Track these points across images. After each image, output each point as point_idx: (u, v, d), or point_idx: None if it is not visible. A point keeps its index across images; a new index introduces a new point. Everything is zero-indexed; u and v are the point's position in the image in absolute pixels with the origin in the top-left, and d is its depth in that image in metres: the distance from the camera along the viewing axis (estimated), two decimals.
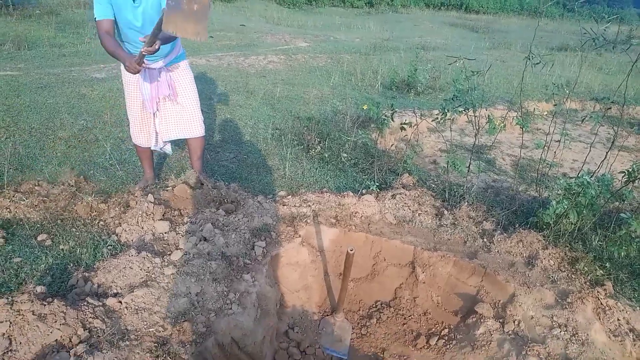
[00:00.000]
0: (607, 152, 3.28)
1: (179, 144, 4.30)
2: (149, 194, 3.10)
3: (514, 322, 2.56)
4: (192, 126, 3.33)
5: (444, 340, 2.85)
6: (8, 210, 2.92)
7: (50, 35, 8.51)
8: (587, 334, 2.40)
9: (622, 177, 2.99)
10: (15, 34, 8.01)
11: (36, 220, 2.88)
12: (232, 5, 17.27)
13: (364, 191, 3.66)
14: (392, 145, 5.02)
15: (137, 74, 2.83)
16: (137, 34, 2.87)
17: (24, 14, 10.14)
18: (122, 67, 2.93)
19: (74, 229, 2.83)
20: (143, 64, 2.79)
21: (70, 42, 8.29)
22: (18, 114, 4.48)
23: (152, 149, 3.39)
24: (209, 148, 4.34)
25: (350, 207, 3.37)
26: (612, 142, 3.31)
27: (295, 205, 3.35)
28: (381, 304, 3.26)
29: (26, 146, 3.90)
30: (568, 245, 3.02)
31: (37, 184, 3.27)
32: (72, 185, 3.28)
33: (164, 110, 3.24)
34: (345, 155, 4.26)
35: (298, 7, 19.32)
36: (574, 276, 2.80)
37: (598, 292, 2.62)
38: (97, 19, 2.80)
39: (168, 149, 3.47)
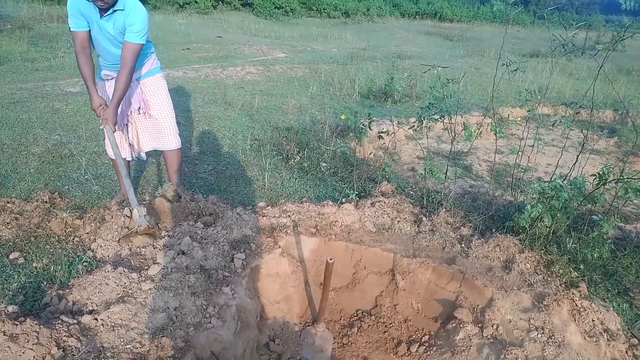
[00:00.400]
0: (577, 156, 3.37)
1: (156, 157, 4.25)
2: (125, 208, 3.05)
3: (492, 326, 2.59)
4: (167, 139, 3.31)
5: (424, 347, 2.86)
6: None
7: (22, 49, 8.36)
8: (564, 336, 2.44)
9: (594, 180, 3.07)
10: None
11: (8, 238, 2.81)
12: (208, 17, 17.26)
13: (343, 200, 3.68)
14: (370, 153, 5.06)
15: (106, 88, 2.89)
16: (100, 45, 2.91)
17: None
18: (97, 79, 3.01)
19: (47, 246, 2.77)
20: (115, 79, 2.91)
21: (43, 56, 8.17)
22: None
23: (128, 159, 3.33)
24: (186, 160, 4.31)
25: (330, 216, 3.38)
26: (582, 146, 3.41)
27: (274, 216, 3.35)
28: (362, 313, 3.26)
29: None
30: (543, 248, 3.08)
31: (9, 201, 3.18)
32: (46, 202, 3.21)
33: (138, 123, 3.22)
34: (324, 164, 4.28)
35: (275, 19, 19.42)
36: (549, 279, 2.85)
37: (573, 293, 2.68)
38: (71, 30, 2.82)
39: (143, 154, 3.42)
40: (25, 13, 12.38)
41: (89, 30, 2.86)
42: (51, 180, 3.64)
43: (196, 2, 18.06)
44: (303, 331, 3.10)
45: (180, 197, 3.25)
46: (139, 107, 3.14)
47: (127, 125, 3.21)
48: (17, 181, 3.55)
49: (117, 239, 2.82)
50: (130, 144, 3.29)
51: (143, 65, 3.12)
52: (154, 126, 3.25)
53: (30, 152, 4.08)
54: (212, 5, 18.68)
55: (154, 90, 3.18)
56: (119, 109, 3.07)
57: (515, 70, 3.39)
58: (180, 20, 15.57)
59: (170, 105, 3.28)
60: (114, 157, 3.31)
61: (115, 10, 2.78)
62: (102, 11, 2.76)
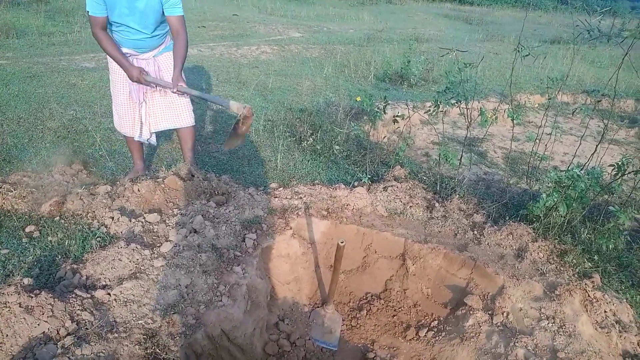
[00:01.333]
0: (596, 146, 3.30)
1: (169, 136, 4.26)
2: (136, 184, 3.07)
3: (502, 314, 2.58)
4: (182, 116, 3.31)
5: (433, 332, 2.87)
6: None
7: (39, 23, 8.38)
8: (575, 326, 2.42)
9: (612, 170, 3.01)
10: (4, 22, 7.87)
11: (24, 211, 2.85)
12: None
13: (355, 183, 3.66)
14: (384, 137, 5.02)
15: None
16: (126, 28, 2.92)
17: (12, 1, 9.97)
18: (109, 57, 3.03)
19: (62, 221, 2.80)
20: (135, 59, 3.02)
21: (59, 30, 8.18)
22: (6, 104, 4.41)
23: (135, 139, 3.36)
24: (200, 139, 4.31)
25: (341, 200, 3.37)
26: (602, 136, 3.33)
27: (286, 197, 3.35)
28: (371, 296, 3.27)
29: (14, 136, 3.85)
30: (557, 237, 3.04)
31: (25, 174, 3.23)
32: (74, 174, 3.30)
33: (151, 101, 3.22)
34: (337, 147, 4.25)
35: None
36: (562, 268, 2.82)
37: (586, 284, 2.65)
38: (90, 14, 2.80)
39: (153, 140, 3.44)
40: None
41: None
42: (66, 155, 3.67)
43: None
44: (312, 312, 3.12)
45: (193, 176, 3.26)
46: (156, 85, 3.14)
47: (142, 104, 3.21)
48: (34, 154, 3.59)
49: (225, 146, 3.10)
50: (142, 124, 3.29)
51: (160, 43, 3.13)
52: (169, 104, 3.25)
53: (46, 126, 4.11)
54: None
55: (169, 66, 3.18)
56: (136, 87, 3.09)
57: (527, 55, 3.30)
58: None
59: (185, 82, 3.27)
60: (122, 132, 3.33)
61: None
62: None
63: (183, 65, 3.06)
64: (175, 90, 3.02)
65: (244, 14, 13.56)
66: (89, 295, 2.14)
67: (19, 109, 4.36)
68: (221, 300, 2.35)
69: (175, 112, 3.29)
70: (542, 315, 2.52)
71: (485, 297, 2.78)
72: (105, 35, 2.91)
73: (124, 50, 3.05)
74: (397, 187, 3.54)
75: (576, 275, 2.78)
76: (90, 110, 4.59)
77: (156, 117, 3.28)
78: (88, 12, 2.81)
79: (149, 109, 3.25)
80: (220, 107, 3.02)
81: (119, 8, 2.81)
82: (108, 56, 3.06)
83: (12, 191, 2.97)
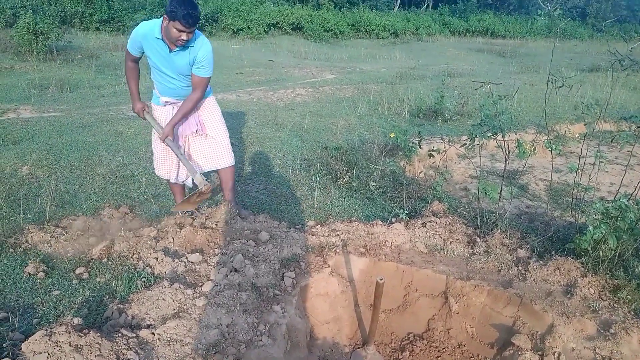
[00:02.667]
0: None
1: (210, 176, 4.41)
2: (181, 228, 3.18)
3: (553, 354, 2.45)
4: (222, 157, 3.45)
5: None
6: (49, 244, 3.04)
7: (90, 77, 9.00)
8: None
9: None
10: (59, 78, 8.51)
11: (75, 254, 2.99)
12: (260, 42, 17.86)
13: (393, 220, 3.64)
14: (420, 172, 4.99)
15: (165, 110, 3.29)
16: (164, 76, 3.15)
17: (66, 58, 10.79)
18: (152, 102, 3.33)
19: (110, 262, 2.92)
20: (174, 106, 3.29)
21: (108, 83, 8.74)
22: (60, 153, 4.71)
23: (171, 181, 3.52)
24: (239, 180, 4.43)
25: (379, 236, 3.35)
26: None
27: (324, 235, 3.36)
28: (413, 336, 3.18)
29: (67, 183, 4.09)
30: (609, 272, 2.89)
31: (75, 218, 3.40)
32: (120, 217, 3.47)
33: (193, 144, 3.40)
34: (373, 183, 4.26)
35: (324, 41, 19.78)
36: (616, 305, 2.67)
37: None
38: (127, 47, 3.13)
39: (189, 182, 3.57)
40: (93, 43, 13.34)
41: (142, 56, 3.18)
42: (114, 199, 3.86)
43: (249, 27, 18.75)
44: (353, 353, 3.06)
45: (239, 215, 3.38)
46: (196, 130, 3.32)
47: (180, 148, 3.37)
48: (84, 199, 3.79)
49: (174, 208, 3.25)
50: (179, 167, 3.45)
51: None
52: (209, 146, 3.40)
53: (96, 172, 4.35)
54: (264, 31, 19.30)
55: (209, 111, 3.37)
56: (177, 131, 3.27)
57: (561, 86, 3.26)
58: (234, 46, 16.21)
59: (224, 125, 3.46)
60: (160, 175, 3.51)
61: (187, 47, 3.00)
62: (174, 46, 2.97)
63: (180, 119, 3.21)
64: (161, 139, 3.19)
65: (279, 59, 14.09)
66: (134, 335, 2.19)
67: (71, 157, 4.64)
68: (261, 340, 2.36)
69: (215, 154, 3.42)
70: (597, 355, 2.38)
71: (534, 336, 2.65)
72: (131, 66, 3.23)
73: (164, 98, 3.27)
74: (436, 223, 3.50)
75: (632, 313, 2.61)
76: (136, 156, 4.83)
77: (198, 160, 3.43)
78: (126, 45, 3.12)
79: (192, 152, 3.41)
80: (189, 171, 3.28)
81: (155, 57, 3.06)
82: (152, 105, 3.33)
83: (64, 235, 3.14)
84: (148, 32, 2.99)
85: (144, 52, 3.10)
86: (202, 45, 3.05)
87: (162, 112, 3.31)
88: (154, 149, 3.45)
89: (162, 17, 2.94)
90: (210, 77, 3.18)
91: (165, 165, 3.44)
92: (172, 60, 3.06)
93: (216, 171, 3.58)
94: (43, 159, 4.49)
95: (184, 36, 2.87)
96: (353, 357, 3.03)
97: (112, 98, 7.60)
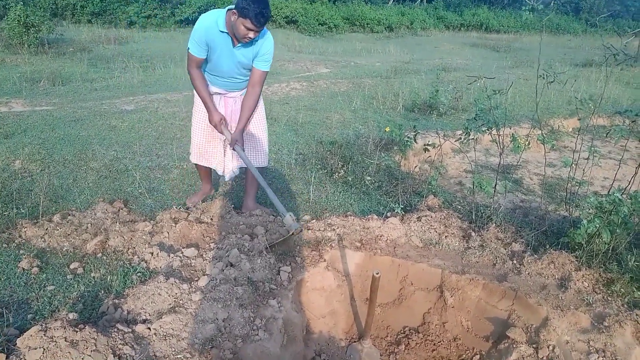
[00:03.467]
0: (637, 168, 3.19)
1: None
2: (177, 222, 3.16)
3: (548, 347, 2.47)
4: (258, 156, 3.46)
5: None
6: (43, 239, 3.02)
7: (82, 70, 8.91)
8: None
9: None
10: (50, 71, 8.42)
11: (69, 249, 2.97)
12: None
13: (388, 214, 3.64)
14: (415, 167, 5.00)
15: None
16: (221, 70, 3.10)
17: (58, 51, 10.68)
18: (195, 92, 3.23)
19: (104, 257, 2.90)
20: (222, 97, 3.26)
21: (101, 76, 8.66)
22: (53, 147, 4.67)
23: (219, 174, 3.51)
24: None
25: (375, 231, 3.35)
26: None
27: (319, 230, 3.36)
28: (409, 330, 3.19)
29: (60, 177, 4.05)
30: (602, 266, 2.92)
31: (69, 212, 3.38)
32: (115, 212, 3.43)
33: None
34: (368, 178, 4.26)
35: (319, 35, 19.70)
36: (610, 298, 2.70)
37: (637, 315, 2.52)
38: (190, 51, 3.01)
39: (227, 175, 3.54)
40: (85, 36, 13.21)
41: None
42: (108, 193, 3.83)
43: None
44: (349, 347, 3.07)
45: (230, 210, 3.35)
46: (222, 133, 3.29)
47: (224, 141, 3.37)
48: (77, 194, 3.76)
49: (269, 246, 2.99)
50: (223, 160, 3.44)
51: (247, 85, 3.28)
52: (248, 141, 3.39)
53: (89, 167, 4.31)
54: None
55: (256, 108, 3.33)
56: (226, 135, 3.25)
57: (552, 82, 3.27)
58: None
59: (265, 124, 3.45)
60: (198, 163, 3.48)
61: (252, 42, 2.95)
62: (238, 41, 2.92)
63: (246, 123, 3.21)
64: (229, 147, 3.15)
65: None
66: (130, 330, 2.19)
67: (64, 151, 4.60)
68: (258, 334, 2.36)
69: (253, 151, 3.43)
70: (591, 348, 2.40)
71: (529, 329, 2.67)
72: (198, 73, 3.10)
73: (214, 89, 3.23)
74: (432, 217, 3.51)
75: (625, 306, 2.64)
76: (130, 150, 4.79)
77: (233, 156, 3.41)
78: (189, 49, 3.00)
79: (227, 147, 3.39)
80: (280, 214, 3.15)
81: (217, 51, 2.98)
82: (195, 99, 3.29)
83: (57, 230, 3.11)
84: (211, 25, 2.90)
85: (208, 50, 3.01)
86: (266, 39, 3.01)
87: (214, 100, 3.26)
88: (195, 137, 3.39)
89: (226, 10, 2.87)
90: (268, 71, 3.14)
91: (208, 154, 3.41)
92: (234, 55, 3.00)
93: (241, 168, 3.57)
94: (36, 153, 4.45)
95: (251, 34, 2.80)
96: (349, 350, 3.04)
97: (105, 92, 7.53)
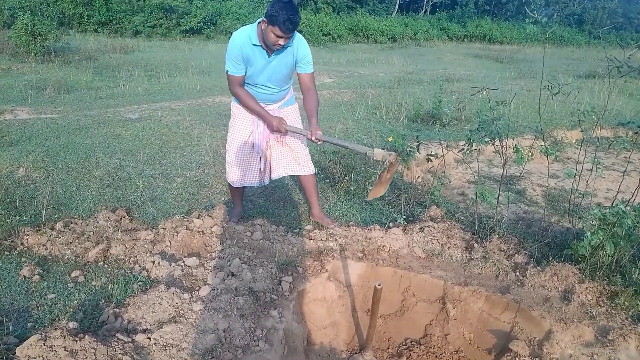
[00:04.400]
0: None
1: (208, 182, 4.39)
2: (180, 227, 3.16)
3: None
4: (305, 164, 3.50)
5: None
6: (44, 247, 3.02)
7: (88, 79, 8.98)
8: None
9: None
10: (56, 79, 8.49)
11: (70, 257, 2.97)
12: None
13: (391, 224, 3.63)
14: (418, 177, 4.99)
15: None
16: (260, 85, 3.13)
17: (64, 60, 10.77)
18: (234, 104, 3.28)
19: (106, 265, 2.90)
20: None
21: (106, 85, 8.72)
22: (56, 155, 4.69)
23: (255, 186, 3.54)
24: None
25: (377, 241, 3.34)
26: None
27: (321, 239, 3.35)
28: (411, 342, 3.17)
29: (63, 185, 4.07)
30: (606, 278, 2.89)
31: (72, 220, 3.38)
32: (118, 220, 3.43)
33: (274, 150, 3.41)
34: (371, 188, 4.25)
35: (322, 45, 19.83)
36: (614, 311, 2.67)
37: None
38: (229, 73, 3.04)
39: (266, 180, 3.55)
40: (91, 45, 13.33)
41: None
42: (110, 201, 3.84)
43: None
44: (350, 359, 3.04)
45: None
46: (294, 132, 3.32)
47: (260, 153, 3.38)
48: (80, 202, 3.77)
49: (369, 197, 3.04)
50: (260, 171, 3.45)
51: (285, 96, 3.33)
52: (290, 152, 3.43)
53: (93, 175, 4.32)
54: None
55: (292, 118, 3.38)
56: (260, 134, 3.28)
57: (557, 93, 3.27)
58: None
59: (322, 131, 3.43)
60: (231, 181, 3.45)
61: (285, 48, 2.97)
62: (271, 51, 2.95)
63: (317, 115, 3.23)
64: (314, 139, 3.15)
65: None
66: (130, 340, 2.17)
67: (68, 159, 4.62)
68: (258, 345, 2.34)
69: (297, 161, 3.46)
70: None
71: (532, 342, 2.65)
72: (244, 91, 3.12)
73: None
74: (434, 228, 3.49)
75: (629, 319, 2.61)
76: (133, 158, 4.81)
77: (278, 164, 3.45)
78: (227, 71, 3.03)
79: (272, 157, 3.43)
80: (364, 155, 3.11)
81: (254, 65, 3.01)
82: (233, 111, 3.31)
83: (59, 237, 3.12)
84: (244, 40, 2.93)
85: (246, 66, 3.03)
86: (300, 42, 3.04)
87: (250, 117, 3.27)
88: (231, 155, 3.36)
89: (257, 23, 2.90)
90: (313, 72, 3.20)
91: (251, 171, 3.42)
92: (270, 66, 3.03)
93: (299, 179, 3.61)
94: (39, 161, 4.47)
95: (281, 41, 2.82)
96: None
97: (110, 100, 7.58)
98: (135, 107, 6.97)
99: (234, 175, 3.42)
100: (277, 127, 3.16)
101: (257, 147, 3.33)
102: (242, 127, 3.30)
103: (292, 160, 3.47)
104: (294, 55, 3.05)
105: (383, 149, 3.05)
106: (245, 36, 2.93)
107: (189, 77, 9.71)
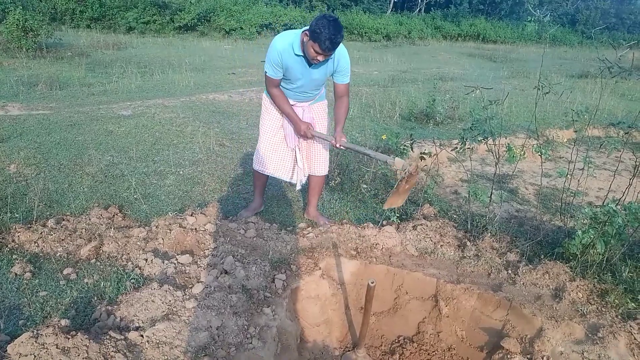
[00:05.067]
0: (630, 179, 3.21)
1: (201, 179, 4.38)
2: (174, 225, 3.15)
3: (542, 358, 2.47)
4: (321, 164, 3.51)
5: None
6: (36, 244, 3.00)
7: (80, 75, 8.91)
8: None
9: None
10: (48, 75, 8.42)
11: (62, 254, 2.95)
12: (253, 43, 17.84)
13: (384, 222, 3.64)
14: None
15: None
16: (296, 87, 3.15)
17: (56, 56, 10.68)
18: (266, 95, 3.29)
19: (98, 263, 2.89)
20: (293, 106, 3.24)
21: (99, 81, 8.66)
22: (48, 151, 4.65)
23: (286, 180, 3.55)
24: (231, 181, 4.42)
25: (370, 239, 3.35)
26: (636, 169, 3.24)
27: (315, 237, 3.35)
28: (404, 339, 3.18)
29: (55, 182, 4.04)
30: (597, 276, 2.92)
31: (64, 217, 3.36)
32: (110, 217, 3.41)
33: (307, 146, 3.43)
34: (364, 186, 4.27)
35: None
36: (604, 309, 2.70)
37: (631, 326, 2.52)
38: (267, 74, 3.05)
39: (295, 180, 3.56)
40: (83, 41, 13.23)
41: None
42: (103, 198, 3.82)
43: (241, 28, 18.72)
44: (343, 356, 3.05)
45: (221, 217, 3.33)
46: (319, 138, 3.34)
47: (294, 149, 3.40)
48: (72, 199, 3.74)
49: (385, 205, 3.01)
50: (294, 167, 3.48)
51: (317, 94, 3.34)
52: (314, 151, 3.46)
53: (85, 172, 4.30)
54: (257, 32, 19.28)
55: (320, 113, 3.42)
56: (290, 132, 3.31)
57: (547, 93, 3.29)
58: (227, 46, 16.17)
59: (346, 139, 3.44)
60: (261, 171, 3.48)
61: (327, 60, 2.95)
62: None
63: (344, 123, 3.25)
64: (338, 145, 3.17)
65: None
66: (122, 337, 2.17)
67: (60, 155, 4.58)
68: (251, 343, 2.34)
69: (317, 160, 3.48)
70: (585, 359, 2.39)
71: (523, 339, 2.67)
72: (279, 92, 3.14)
73: (291, 101, 3.25)
74: (427, 226, 3.51)
75: (619, 317, 2.64)
76: (126, 155, 4.79)
77: (310, 162, 3.48)
78: (266, 72, 3.04)
79: (304, 153, 3.44)
80: (384, 163, 3.11)
81: (293, 71, 3.01)
82: (265, 103, 3.33)
83: (51, 235, 3.09)
84: (286, 48, 2.92)
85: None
86: (342, 55, 3.03)
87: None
88: (263, 144, 3.40)
89: (301, 31, 2.88)
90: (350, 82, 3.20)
91: (273, 163, 3.43)
92: (310, 73, 3.03)
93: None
94: (31, 158, 4.44)
95: (320, 58, 2.80)
96: None
97: (103, 96, 7.53)
98: (128, 104, 6.93)
99: (261, 164, 3.44)
100: (303, 132, 3.19)
101: (291, 142, 3.35)
102: (274, 118, 3.33)
103: (314, 158, 3.49)
104: (335, 65, 3.06)
105: (390, 154, 3.05)
106: (288, 44, 2.92)
107: (182, 73, 9.67)
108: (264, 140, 3.41)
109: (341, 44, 2.96)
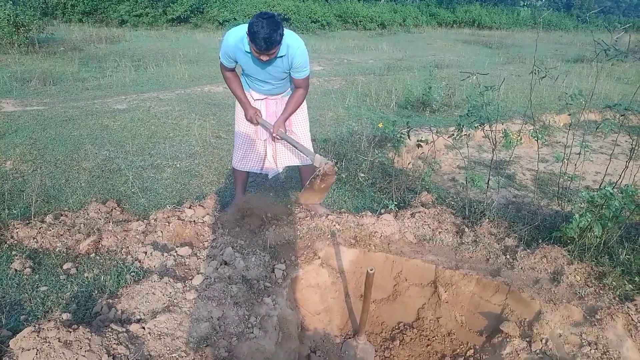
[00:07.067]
0: (627, 162, 3.22)
1: (199, 172, 4.37)
2: (171, 218, 3.15)
3: (541, 340, 2.49)
4: (294, 155, 3.48)
5: None
6: (35, 240, 3.00)
7: (74, 70, 8.83)
8: (619, 352, 2.32)
9: None
10: (41, 71, 8.35)
11: (62, 249, 2.95)
12: None
13: (382, 210, 3.65)
14: (409, 163, 5.01)
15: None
16: (257, 80, 3.13)
17: (49, 51, 10.58)
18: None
19: (98, 257, 2.89)
20: (265, 100, 3.28)
21: (93, 76, 8.59)
22: (44, 147, 4.63)
23: (257, 172, 3.54)
24: (227, 173, 4.41)
25: (369, 227, 3.36)
26: (632, 152, 3.25)
27: (314, 227, 3.36)
28: (404, 325, 3.21)
29: (52, 177, 4.03)
30: (594, 259, 2.94)
31: (62, 213, 3.36)
32: (108, 212, 3.40)
33: (279, 140, 3.39)
34: (362, 175, 4.27)
35: (311, 32, 19.65)
36: (602, 292, 2.72)
37: (628, 307, 2.55)
38: (221, 60, 3.04)
39: (271, 172, 3.56)
40: (76, 35, 13.10)
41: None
42: (100, 193, 3.81)
43: (235, 19, 18.57)
44: (344, 343, 3.08)
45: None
46: (263, 126, 3.31)
47: (267, 141, 3.39)
48: (70, 194, 3.74)
49: (298, 199, 3.08)
50: (264, 158, 3.48)
51: (288, 87, 3.31)
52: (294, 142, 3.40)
53: (82, 167, 4.28)
54: None
55: (299, 108, 3.35)
56: (265, 126, 3.28)
57: (543, 77, 3.28)
58: (220, 37, 16.04)
59: (308, 124, 3.47)
60: (239, 168, 3.47)
61: (277, 58, 2.89)
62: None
63: (290, 114, 3.23)
64: (274, 134, 3.17)
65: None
66: (124, 330, 2.18)
67: (56, 151, 4.57)
68: (252, 332, 2.36)
69: (292, 151, 3.45)
70: (583, 341, 2.42)
71: (522, 323, 2.69)
72: (231, 75, 3.14)
73: (256, 95, 3.26)
74: (425, 213, 3.52)
75: (617, 299, 2.67)
76: (122, 149, 4.77)
77: (283, 154, 3.45)
78: (220, 59, 3.03)
79: (277, 146, 3.42)
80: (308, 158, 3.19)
81: (248, 66, 3.00)
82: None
83: (50, 230, 3.09)
84: (237, 43, 2.87)
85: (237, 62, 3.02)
86: (295, 55, 2.92)
87: (252, 100, 3.29)
88: (241, 143, 3.40)
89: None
90: (309, 74, 3.15)
91: (254, 157, 3.44)
92: (265, 69, 2.99)
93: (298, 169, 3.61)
94: (27, 154, 4.42)
95: (263, 57, 2.73)
96: (344, 347, 3.05)
97: (97, 91, 7.48)
98: (123, 98, 6.89)
99: (236, 158, 3.44)
100: (250, 117, 3.21)
101: (261, 135, 3.34)
102: (243, 118, 3.31)
103: (294, 149, 3.45)
104: (289, 63, 2.98)
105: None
106: (239, 39, 2.86)
107: (176, 66, 9.60)
108: (238, 136, 3.40)
109: (296, 41, 2.90)
